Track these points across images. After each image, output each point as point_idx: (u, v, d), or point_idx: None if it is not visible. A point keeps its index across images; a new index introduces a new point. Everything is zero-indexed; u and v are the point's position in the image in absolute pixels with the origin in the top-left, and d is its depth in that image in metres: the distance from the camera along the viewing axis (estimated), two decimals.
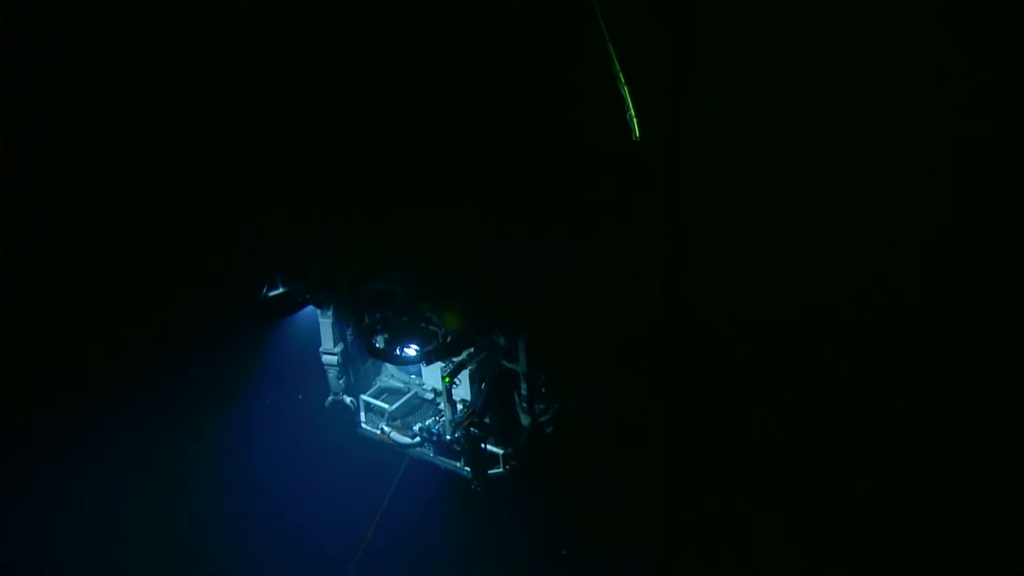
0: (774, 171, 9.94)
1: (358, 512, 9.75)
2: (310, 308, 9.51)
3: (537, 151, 9.49)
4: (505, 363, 9.46)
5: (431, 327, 9.00)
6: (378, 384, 10.48)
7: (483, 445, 9.42)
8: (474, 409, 9.36)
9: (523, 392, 9.45)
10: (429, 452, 9.84)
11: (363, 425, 10.17)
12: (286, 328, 9.72)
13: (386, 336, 8.96)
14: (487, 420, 9.44)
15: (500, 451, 9.51)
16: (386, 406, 10.05)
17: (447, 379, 9.37)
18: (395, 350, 8.95)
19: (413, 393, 10.36)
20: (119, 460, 9.11)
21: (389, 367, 10.44)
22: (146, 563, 8.94)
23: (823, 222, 10.16)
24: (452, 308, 8.81)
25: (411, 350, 8.98)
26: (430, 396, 10.21)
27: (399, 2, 8.98)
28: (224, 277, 8.81)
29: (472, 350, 9.80)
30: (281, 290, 9.16)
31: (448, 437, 9.62)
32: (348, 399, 10.15)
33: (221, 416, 9.93)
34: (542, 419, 9.82)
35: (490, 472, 9.54)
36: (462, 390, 9.63)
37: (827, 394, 10.09)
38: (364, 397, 10.18)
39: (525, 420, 9.58)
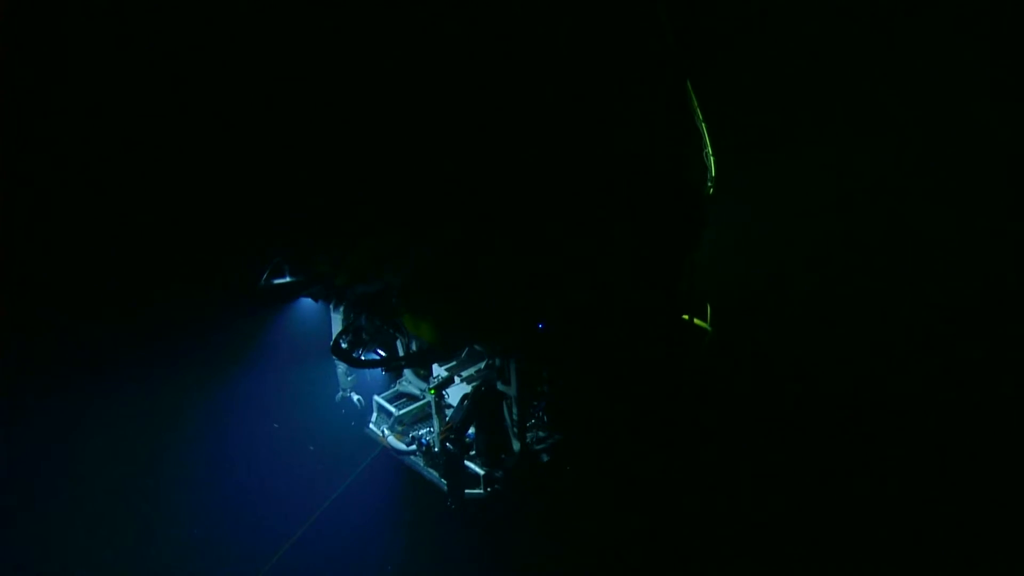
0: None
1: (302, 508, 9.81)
2: (307, 303, 9.79)
3: (564, 171, 9.21)
4: (500, 385, 9.20)
5: (399, 335, 8.97)
6: (396, 388, 10.56)
7: (463, 463, 9.21)
8: (452, 424, 9.17)
9: (515, 416, 9.14)
10: (420, 462, 9.78)
11: (370, 425, 10.29)
12: (280, 318, 10.08)
13: (350, 338, 9.01)
14: (468, 438, 9.22)
15: (482, 472, 9.26)
16: (393, 410, 10.12)
17: (432, 391, 9.30)
18: (356, 353, 8.99)
19: (426, 401, 10.32)
20: (95, 440, 9.87)
21: (407, 372, 10.50)
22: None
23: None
24: (428, 320, 8.66)
25: (376, 356, 9.01)
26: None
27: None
28: (228, 262, 9.23)
29: (480, 367, 9.73)
30: (287, 279, 9.44)
31: (436, 449, 9.52)
32: (356, 397, 10.30)
33: (203, 398, 10.49)
34: (538, 447, 9.47)
35: (468, 492, 9.30)
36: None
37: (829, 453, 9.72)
38: (376, 398, 10.30)
39: (516, 445, 9.26)
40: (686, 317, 10.00)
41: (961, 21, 9.43)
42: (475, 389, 9.18)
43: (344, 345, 9.01)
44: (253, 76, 8.59)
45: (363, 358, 9.11)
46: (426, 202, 8.98)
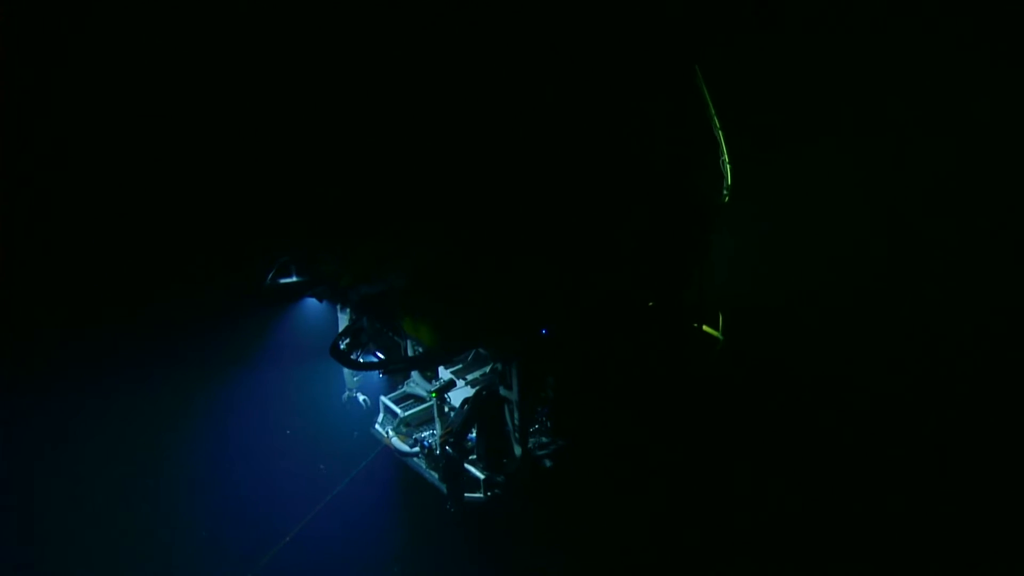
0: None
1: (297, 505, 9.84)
2: (314, 304, 9.89)
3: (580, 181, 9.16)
4: (502, 390, 9.15)
5: (396, 338, 8.99)
6: (403, 389, 10.56)
7: (462, 467, 9.19)
8: (451, 428, 9.14)
9: (516, 422, 9.08)
10: (422, 464, 9.80)
11: (376, 426, 10.33)
12: (285, 319, 10.17)
13: (349, 340, 9.06)
14: (469, 442, 9.19)
15: (482, 476, 9.23)
16: (399, 411, 10.15)
17: (433, 394, 9.33)
18: (354, 355, 9.03)
19: (431, 404, 10.32)
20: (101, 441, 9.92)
21: (414, 374, 10.51)
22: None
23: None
24: (427, 323, 8.67)
25: (375, 358, 9.06)
26: (446, 409, 10.12)
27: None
28: (229, 262, 9.33)
29: (486, 371, 9.70)
30: (293, 279, 9.53)
31: (437, 452, 9.52)
32: (362, 397, 10.34)
33: (204, 399, 10.56)
34: (540, 453, 9.39)
35: (468, 495, 9.27)
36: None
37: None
38: (383, 399, 10.34)
39: (517, 450, 9.21)
40: (697, 325, 9.85)
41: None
42: (476, 393, 9.15)
43: (343, 347, 9.07)
44: (258, 76, 8.70)
45: (361, 360, 9.15)
46: (430, 205, 9.00)
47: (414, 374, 10.41)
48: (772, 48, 10.17)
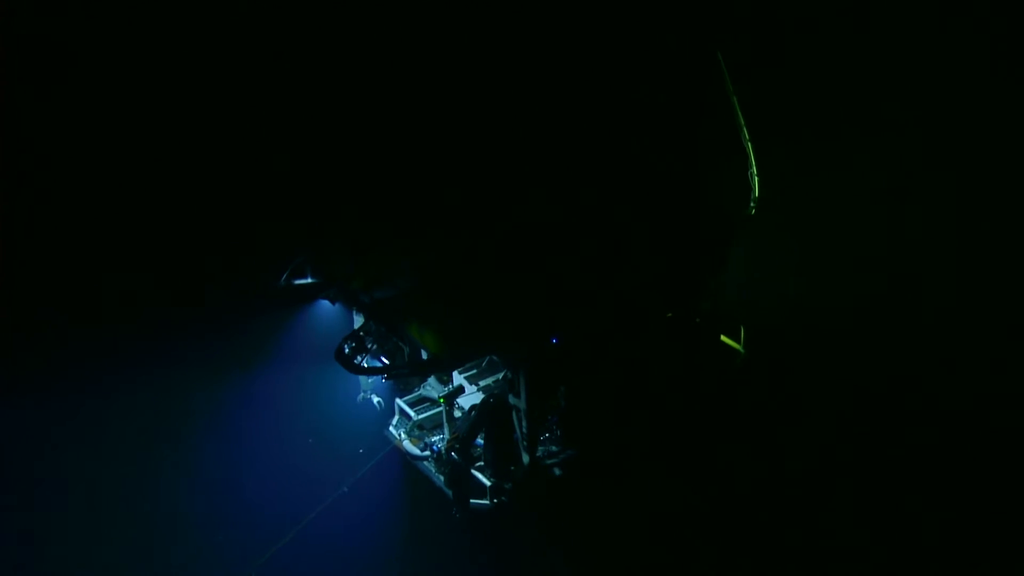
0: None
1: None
2: (324, 305, 9.71)
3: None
4: (511, 398, 8.98)
5: (401, 344, 8.80)
6: (419, 392, 10.41)
7: (468, 473, 9.05)
8: (458, 434, 8.98)
9: (524, 430, 8.91)
10: (431, 468, 9.66)
11: (390, 428, 10.18)
12: (298, 320, 10.02)
13: (353, 344, 8.87)
14: (477, 448, 9.05)
15: (488, 483, 9.08)
16: (413, 413, 10.00)
17: (441, 399, 9.19)
18: (357, 359, 8.86)
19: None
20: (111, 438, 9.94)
21: (431, 378, 10.32)
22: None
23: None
24: (433, 328, 8.47)
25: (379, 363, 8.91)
26: (458, 414, 9.96)
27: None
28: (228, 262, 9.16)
29: (499, 377, 9.56)
30: (308, 280, 9.33)
31: (445, 457, 9.38)
32: (376, 399, 10.20)
33: (207, 399, 10.46)
34: (549, 461, 9.24)
35: (474, 502, 9.14)
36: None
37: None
38: (399, 402, 10.19)
39: (525, 458, 9.05)
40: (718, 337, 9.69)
41: None
42: (483, 400, 9.00)
43: (347, 351, 8.89)
44: (262, 76, 8.47)
45: (365, 365, 8.98)
46: (436, 208, 8.78)
47: (431, 378, 10.25)
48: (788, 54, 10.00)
